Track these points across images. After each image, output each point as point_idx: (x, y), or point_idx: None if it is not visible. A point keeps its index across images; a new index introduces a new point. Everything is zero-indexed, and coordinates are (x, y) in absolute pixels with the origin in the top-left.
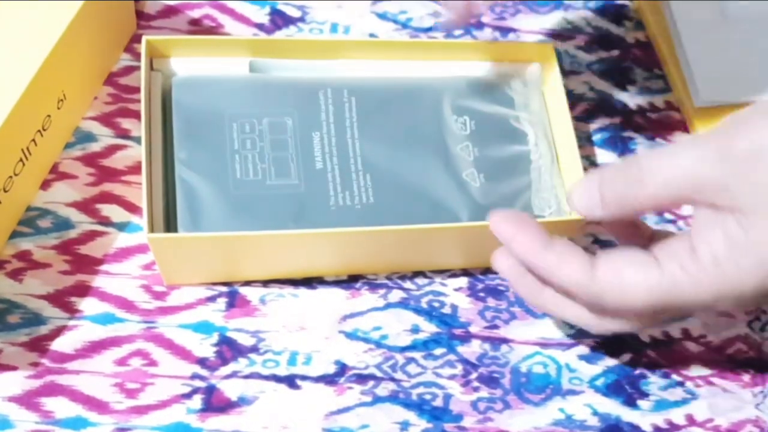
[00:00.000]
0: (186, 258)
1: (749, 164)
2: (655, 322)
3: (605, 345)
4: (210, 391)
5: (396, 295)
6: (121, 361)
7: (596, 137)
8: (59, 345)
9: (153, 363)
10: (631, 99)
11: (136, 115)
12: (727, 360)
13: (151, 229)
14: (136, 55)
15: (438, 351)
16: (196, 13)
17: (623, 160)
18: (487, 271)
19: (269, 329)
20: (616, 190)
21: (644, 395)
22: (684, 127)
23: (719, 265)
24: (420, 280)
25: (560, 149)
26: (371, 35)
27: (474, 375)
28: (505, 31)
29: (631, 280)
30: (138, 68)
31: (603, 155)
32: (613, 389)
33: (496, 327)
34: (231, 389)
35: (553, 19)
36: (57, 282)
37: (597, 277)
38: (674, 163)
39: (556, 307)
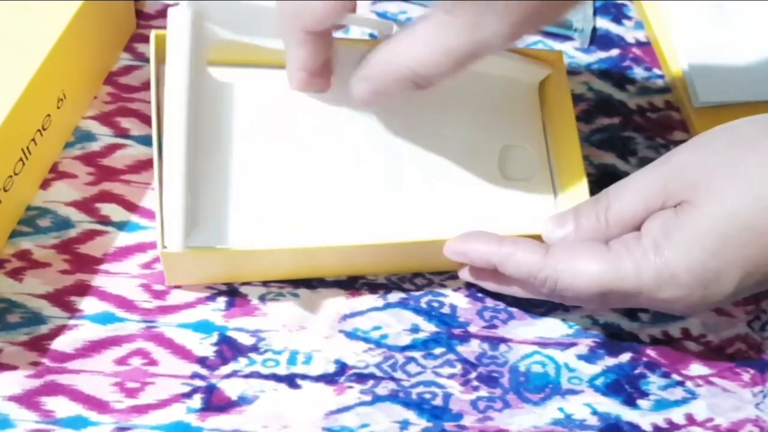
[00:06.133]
0: (195, 266)
1: (680, 172)
2: (605, 307)
3: (605, 345)
4: (210, 390)
5: (395, 295)
6: (121, 361)
7: (596, 137)
8: (59, 344)
9: (153, 362)
10: (630, 99)
11: (135, 114)
12: (727, 360)
13: (164, 245)
14: (137, 55)
15: (437, 350)
16: None
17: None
18: None
19: (269, 329)
20: (590, 218)
21: (644, 395)
22: (683, 127)
23: (658, 247)
24: (419, 281)
25: (562, 153)
26: (371, 36)
27: (473, 374)
28: None
29: (582, 261)
30: (138, 68)
31: (603, 155)
32: (612, 389)
33: (494, 327)
34: (231, 388)
35: None
36: (57, 281)
37: (550, 258)
38: (629, 189)
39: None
